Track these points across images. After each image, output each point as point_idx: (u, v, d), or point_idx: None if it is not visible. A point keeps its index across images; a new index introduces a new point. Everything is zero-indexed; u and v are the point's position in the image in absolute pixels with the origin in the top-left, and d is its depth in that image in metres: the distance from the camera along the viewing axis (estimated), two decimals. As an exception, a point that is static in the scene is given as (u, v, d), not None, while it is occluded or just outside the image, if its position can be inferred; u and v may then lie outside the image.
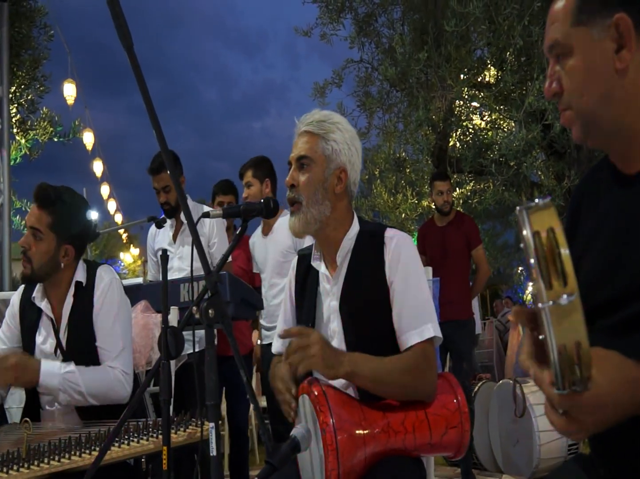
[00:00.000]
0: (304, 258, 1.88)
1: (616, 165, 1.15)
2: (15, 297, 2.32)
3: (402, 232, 1.83)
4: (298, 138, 1.78)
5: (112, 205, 16.19)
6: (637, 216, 1.08)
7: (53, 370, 2.03)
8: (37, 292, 2.23)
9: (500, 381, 4.46)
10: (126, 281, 2.80)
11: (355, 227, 1.79)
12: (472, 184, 6.10)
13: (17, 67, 5.32)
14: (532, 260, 0.88)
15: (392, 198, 6.31)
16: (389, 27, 5.47)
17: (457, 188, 6.28)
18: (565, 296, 0.86)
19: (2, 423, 2.42)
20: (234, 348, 1.36)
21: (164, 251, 1.63)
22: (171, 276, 3.42)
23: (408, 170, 5.96)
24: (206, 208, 3.56)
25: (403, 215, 6.25)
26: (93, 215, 23.76)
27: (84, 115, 10.01)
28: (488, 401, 4.47)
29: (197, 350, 3.35)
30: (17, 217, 6.60)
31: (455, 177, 5.74)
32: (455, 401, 1.69)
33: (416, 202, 6.29)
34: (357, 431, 1.55)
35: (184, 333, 3.31)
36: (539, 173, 5.29)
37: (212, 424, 1.28)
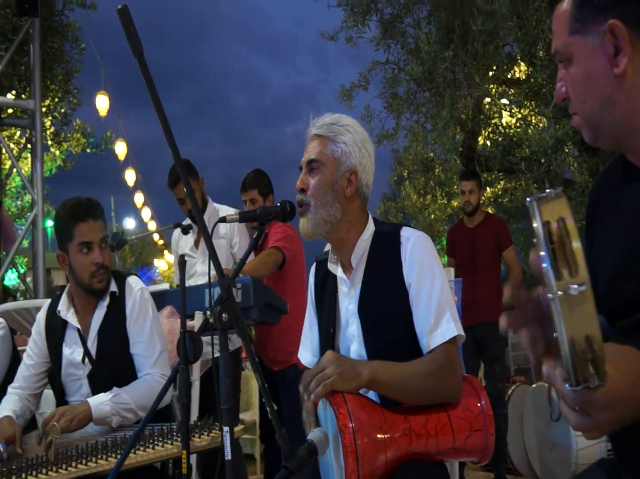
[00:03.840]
0: (322, 263, 1.88)
1: (631, 160, 1.13)
2: (40, 314, 2.38)
3: (418, 230, 1.80)
4: (309, 142, 1.77)
5: (146, 213, 16.51)
6: None
7: (101, 400, 2.08)
8: (62, 305, 2.28)
9: (535, 384, 4.36)
10: (152, 288, 2.84)
11: (370, 228, 1.77)
12: (503, 183, 5.99)
13: (50, 81, 5.47)
14: (541, 252, 0.86)
15: (421, 199, 6.25)
16: (414, 27, 5.42)
17: (488, 187, 6.19)
18: (575, 285, 0.83)
19: (33, 428, 2.49)
20: (249, 352, 1.36)
21: (182, 257, 1.65)
22: (195, 281, 3.45)
23: (437, 171, 5.89)
24: (230, 210, 3.58)
25: (432, 216, 6.18)
26: (129, 223, 24.32)
27: (117, 125, 10.22)
28: (522, 405, 4.38)
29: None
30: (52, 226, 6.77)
31: (485, 175, 5.65)
32: (479, 404, 1.66)
33: (445, 202, 6.21)
34: (378, 435, 1.53)
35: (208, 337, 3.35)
36: (572, 169, 5.17)
37: (226, 429, 1.29)
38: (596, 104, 1.09)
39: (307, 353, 1.91)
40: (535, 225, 0.87)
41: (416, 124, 5.78)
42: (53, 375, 2.31)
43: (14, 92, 5.36)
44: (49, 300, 2.43)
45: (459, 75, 4.78)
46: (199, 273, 3.54)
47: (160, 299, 2.62)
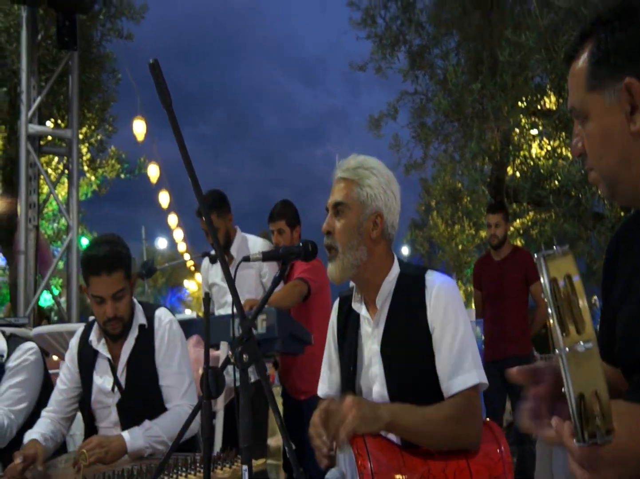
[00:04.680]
0: (345, 300, 1.89)
1: None
2: (73, 341, 2.46)
3: (443, 275, 1.81)
4: (335, 185, 1.80)
5: (178, 234, 16.76)
6: None
7: (134, 434, 2.14)
8: (93, 335, 2.35)
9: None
10: (179, 316, 2.89)
11: (395, 270, 1.78)
12: (532, 214, 5.94)
13: (87, 110, 5.68)
14: (549, 308, 0.88)
15: (448, 229, 6.22)
16: (442, 59, 5.48)
17: (517, 219, 6.15)
18: (582, 343, 0.85)
19: (64, 451, 2.55)
20: (267, 389, 1.40)
21: (207, 294, 1.70)
22: (226, 310, 3.50)
23: (465, 201, 5.88)
24: (257, 240, 3.64)
25: (460, 247, 6.15)
26: (161, 243, 24.68)
27: (151, 148, 10.47)
28: (550, 442, 4.28)
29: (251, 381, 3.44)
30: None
31: (514, 206, 5.62)
32: (498, 450, 1.65)
33: (473, 232, 6.17)
34: (396, 476, 1.54)
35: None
36: (603, 203, 5.12)
37: (245, 467, 1.31)
38: (613, 161, 1.09)
39: (325, 387, 1.93)
40: (542, 280, 0.90)
41: (444, 154, 5.80)
42: (83, 400, 2.38)
43: (52, 120, 5.56)
44: (81, 328, 2.50)
45: (486, 107, 4.79)
46: (229, 303, 3.59)
47: (187, 328, 2.67)
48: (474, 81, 4.93)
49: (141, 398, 2.27)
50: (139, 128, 9.15)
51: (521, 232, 6.00)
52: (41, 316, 5.70)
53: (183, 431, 1.64)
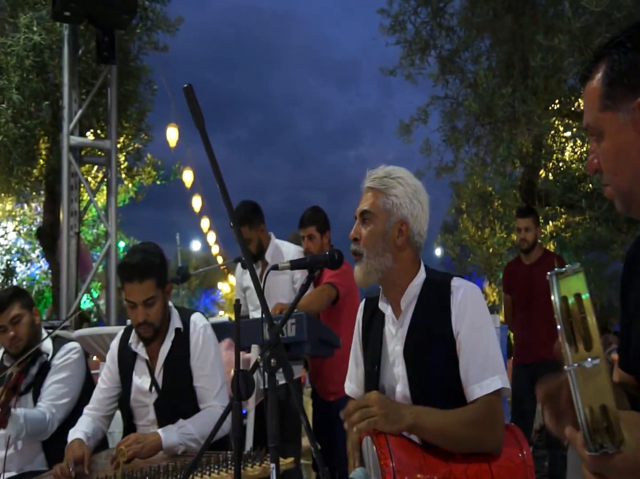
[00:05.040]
0: (372, 300, 1.95)
1: None
2: (114, 343, 2.59)
3: (469, 281, 1.86)
4: (363, 194, 1.86)
5: (211, 237, 17.03)
6: None
7: (170, 432, 2.25)
8: (132, 338, 2.48)
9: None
10: (212, 320, 2.99)
11: (421, 276, 1.84)
12: (565, 217, 5.89)
13: (125, 120, 5.87)
14: (558, 325, 0.93)
15: (479, 233, 6.21)
16: (473, 62, 5.48)
17: (550, 221, 6.10)
18: (589, 359, 0.90)
19: (104, 447, 2.68)
20: (295, 393, 1.47)
21: (237, 301, 1.79)
22: (259, 313, 3.59)
23: (496, 204, 5.86)
24: (290, 246, 3.72)
25: (491, 250, 6.12)
26: (195, 246, 25.06)
27: (185, 153, 10.68)
28: (582, 447, 4.25)
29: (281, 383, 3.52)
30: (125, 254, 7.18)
31: (547, 209, 5.58)
32: (520, 454, 1.68)
33: (505, 236, 6.14)
34: (418, 476, 1.58)
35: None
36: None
37: (272, 465, 1.39)
38: (627, 178, 1.13)
39: (352, 384, 1.99)
40: (553, 298, 0.95)
41: (475, 157, 5.80)
42: (123, 399, 2.50)
43: (92, 131, 5.77)
44: (121, 331, 2.63)
45: (518, 110, 4.78)
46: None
47: (219, 331, 2.77)
48: (505, 85, 4.92)
49: (177, 398, 2.39)
50: (172, 135, 9.38)
51: (554, 234, 5.95)
52: (82, 318, 5.92)
53: (215, 430, 1.73)
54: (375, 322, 1.91)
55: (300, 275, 3.64)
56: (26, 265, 8.61)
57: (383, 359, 1.86)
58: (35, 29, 5.25)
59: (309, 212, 3.82)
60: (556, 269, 1.01)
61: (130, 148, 6.19)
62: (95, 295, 6.41)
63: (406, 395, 1.76)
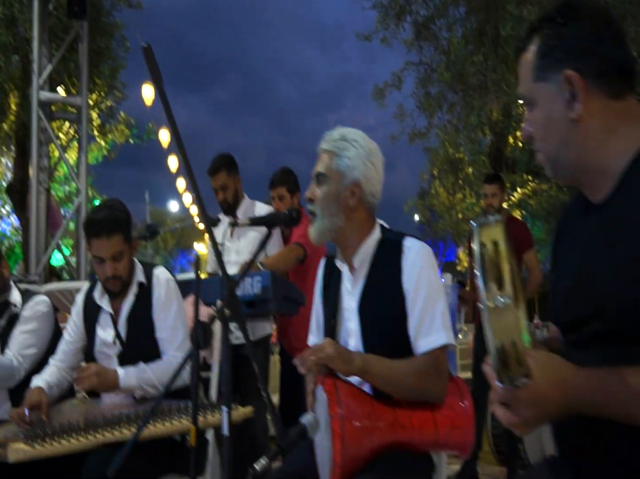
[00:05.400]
0: (331, 259, 2.03)
1: (586, 196, 1.27)
2: (79, 297, 2.64)
3: (420, 241, 1.93)
4: (319, 155, 1.93)
5: (188, 198, 16.98)
6: (602, 240, 1.20)
7: (129, 374, 2.33)
8: (97, 291, 2.54)
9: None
10: (179, 276, 3.06)
11: (375, 235, 1.91)
12: (532, 185, 6.02)
13: (97, 77, 5.79)
14: (476, 270, 1.03)
15: (450, 198, 6.31)
16: (447, 30, 5.50)
17: (519, 189, 6.23)
18: (500, 298, 1.00)
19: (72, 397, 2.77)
20: (249, 344, 1.57)
21: (197, 257, 1.86)
22: (229, 269, 3.66)
23: (470, 170, 5.96)
24: (264, 207, 3.78)
25: (460, 216, 6.25)
26: (173, 206, 24.86)
27: (162, 113, 10.54)
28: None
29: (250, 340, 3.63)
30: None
31: (514, 176, 5.70)
32: (461, 404, 1.79)
33: (474, 201, 6.26)
34: (364, 422, 1.68)
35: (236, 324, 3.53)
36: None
37: (225, 408, 1.49)
38: (554, 145, 1.23)
39: (313, 338, 2.09)
40: (474, 244, 1.05)
41: (448, 124, 5.86)
42: (88, 351, 2.58)
43: (63, 87, 5.68)
44: (87, 285, 2.70)
45: (488, 79, 4.84)
46: (232, 262, 3.74)
47: (186, 288, 2.84)
48: (477, 53, 4.97)
49: (139, 349, 2.45)
50: (148, 93, 9.25)
51: (521, 202, 6.08)
52: (52, 274, 5.94)
53: (174, 377, 1.82)
54: (334, 279, 2.00)
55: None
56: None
57: (339, 314, 1.95)
58: (3, -19, 5.13)
59: (279, 173, 3.88)
60: (480, 219, 1.11)
61: (103, 105, 6.12)
62: (67, 252, 6.43)
63: (359, 349, 1.86)
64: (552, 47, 1.21)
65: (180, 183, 15.61)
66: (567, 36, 1.20)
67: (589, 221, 1.26)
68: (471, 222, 1.10)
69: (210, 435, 2.47)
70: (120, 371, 2.34)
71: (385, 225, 2.25)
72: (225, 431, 1.49)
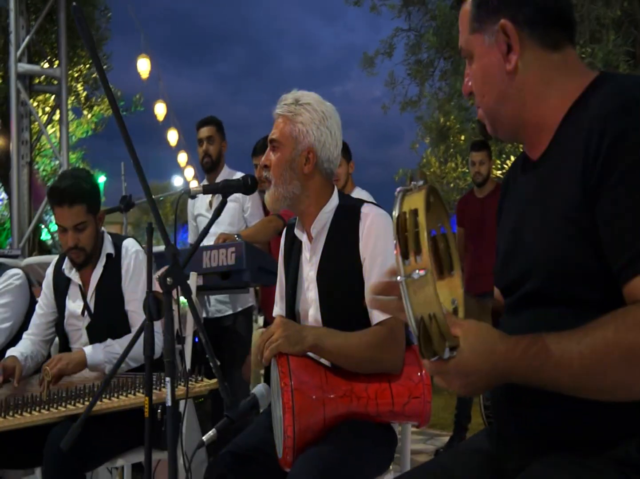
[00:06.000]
0: (292, 227, 1.99)
1: (526, 152, 1.22)
2: (49, 270, 2.63)
3: (378, 207, 1.88)
4: (275, 121, 1.88)
5: (190, 172, 16.88)
6: (533, 200, 1.15)
7: (95, 349, 2.32)
8: (66, 264, 2.51)
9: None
10: (154, 249, 3.02)
11: (333, 202, 1.87)
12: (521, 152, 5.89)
13: (80, 49, 5.69)
14: (394, 240, 0.98)
15: (442, 167, 6.24)
16: (436, -6, 5.35)
17: (511, 156, 6.12)
18: (417, 271, 0.95)
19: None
20: (194, 315, 1.53)
21: (149, 225, 1.81)
22: (209, 241, 3.64)
23: (457, 139, 5.86)
24: (240, 176, 3.73)
25: (452, 185, 6.17)
26: (177, 181, 24.69)
27: (158, 87, 10.45)
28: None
29: (231, 312, 3.61)
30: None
31: (505, 145, 5.60)
32: (419, 374, 1.76)
33: (466, 170, 6.17)
34: (317, 393, 1.66)
35: (221, 296, 3.51)
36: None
37: (168, 379, 1.47)
38: (492, 99, 1.17)
39: (277, 308, 2.05)
40: (393, 213, 1.00)
41: (439, 91, 5.75)
42: (58, 323, 2.57)
43: (45, 59, 5.59)
44: (57, 257, 2.67)
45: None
46: (211, 233, 3.71)
47: (160, 259, 2.81)
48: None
49: (108, 321, 2.44)
50: (143, 66, 9.13)
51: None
52: (43, 250, 5.93)
53: (128, 349, 1.80)
54: (295, 248, 1.96)
55: (250, 204, 3.67)
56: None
57: (299, 284, 1.92)
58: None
59: (261, 141, 3.82)
60: (403, 186, 1.06)
61: (89, 78, 6.03)
62: (54, 228, 6.42)
63: (317, 318, 1.83)
64: None
65: (182, 157, 15.49)
66: None
67: (524, 179, 1.21)
68: (397, 189, 1.04)
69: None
70: (87, 349, 2.32)
71: (370, 197, 2.18)
72: (168, 401, 1.47)
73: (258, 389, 1.68)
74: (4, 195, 8.28)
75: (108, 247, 2.49)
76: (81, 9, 1.36)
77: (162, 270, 1.55)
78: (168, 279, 1.49)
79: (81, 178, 2.41)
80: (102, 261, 2.47)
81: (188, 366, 2.81)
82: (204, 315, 3.54)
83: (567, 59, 1.13)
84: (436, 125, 5.49)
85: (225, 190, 1.84)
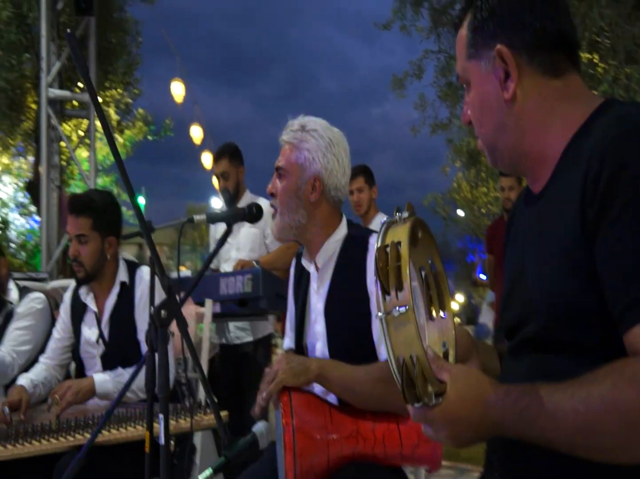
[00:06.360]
0: (300, 257, 1.93)
1: (529, 185, 1.14)
2: (67, 294, 2.63)
3: None
4: (281, 147, 1.83)
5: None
6: (534, 236, 1.07)
7: (105, 378, 2.30)
8: (82, 289, 2.51)
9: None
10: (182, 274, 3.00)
11: (341, 232, 1.81)
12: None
13: (112, 74, 5.81)
14: (374, 274, 0.92)
15: (472, 192, 6.10)
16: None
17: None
18: (397, 307, 0.88)
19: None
20: (190, 348, 1.48)
21: (151, 255, 1.78)
22: (229, 266, 3.61)
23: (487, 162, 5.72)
24: (266, 202, 3.70)
25: (483, 210, 6.03)
26: (215, 203, 24.91)
27: (193, 110, 10.60)
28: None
29: (251, 340, 3.56)
30: (124, 208, 7.24)
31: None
32: None
33: (498, 196, 6.03)
34: (320, 434, 1.58)
35: (240, 323, 3.45)
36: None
37: (161, 416, 1.41)
38: (490, 129, 1.10)
39: (287, 339, 1.99)
40: (375, 247, 0.93)
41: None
42: (74, 349, 2.55)
43: (75, 84, 5.73)
44: (75, 282, 2.68)
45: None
46: (232, 259, 3.70)
47: (187, 285, 2.77)
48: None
49: (122, 350, 2.41)
50: (178, 90, 9.28)
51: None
52: (72, 272, 5.99)
53: (130, 381, 1.75)
54: (304, 278, 1.90)
55: (270, 231, 3.63)
56: (26, 219, 8.78)
57: (307, 316, 1.85)
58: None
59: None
60: (388, 218, 0.99)
61: (121, 103, 6.16)
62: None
63: (325, 352, 1.76)
64: (483, 19, 1.07)
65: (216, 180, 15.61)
66: (498, 6, 1.06)
67: (527, 213, 1.13)
68: (382, 221, 0.98)
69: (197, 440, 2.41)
70: (96, 377, 2.30)
71: None
72: (161, 440, 1.41)
73: (258, 427, 1.60)
74: (39, 218, 8.53)
75: (122, 275, 2.48)
76: (74, 36, 1.36)
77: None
78: (162, 312, 1.44)
79: (98, 193, 2.45)
80: (117, 288, 2.46)
81: (205, 395, 2.76)
82: (223, 341, 3.50)
83: (570, 85, 1.05)
84: (467, 148, 5.37)
85: (230, 219, 1.79)
